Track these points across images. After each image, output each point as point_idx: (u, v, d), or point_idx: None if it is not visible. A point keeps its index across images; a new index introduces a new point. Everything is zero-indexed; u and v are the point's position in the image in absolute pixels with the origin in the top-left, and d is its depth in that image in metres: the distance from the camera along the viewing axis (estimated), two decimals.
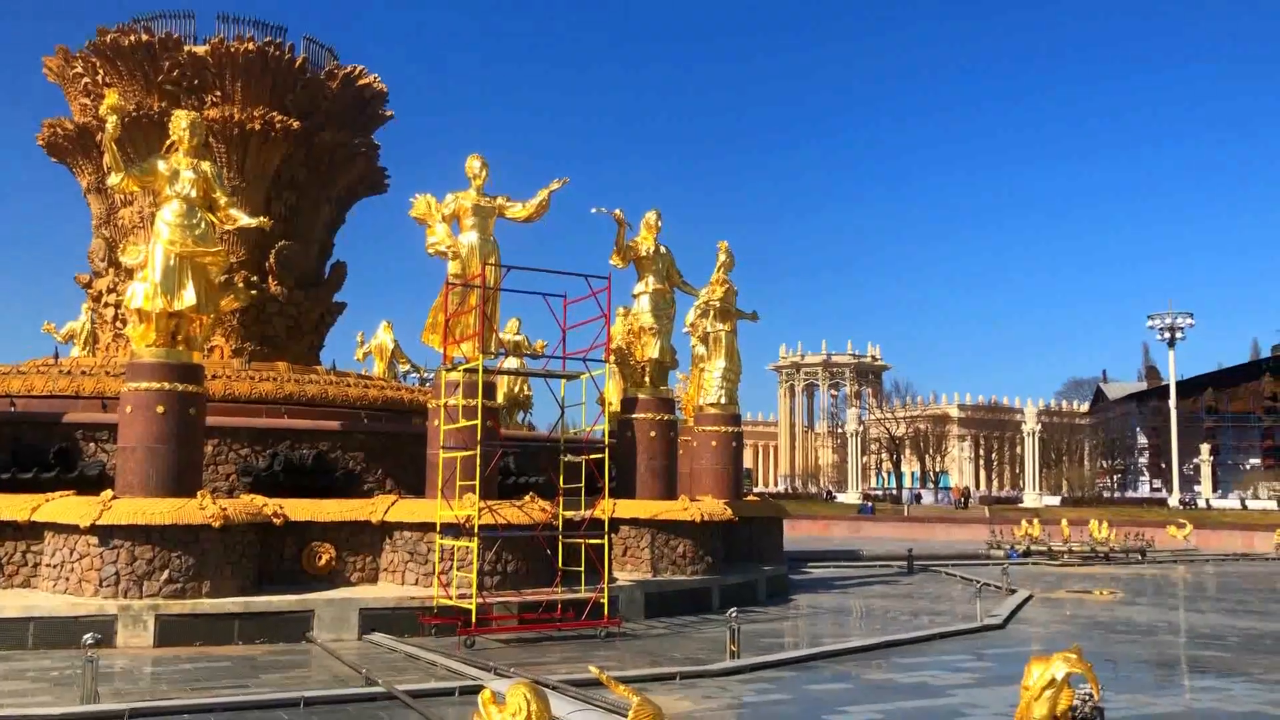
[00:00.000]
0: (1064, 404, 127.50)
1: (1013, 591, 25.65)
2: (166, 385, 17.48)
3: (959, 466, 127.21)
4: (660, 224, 24.38)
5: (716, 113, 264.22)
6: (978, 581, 28.96)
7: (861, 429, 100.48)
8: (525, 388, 36.74)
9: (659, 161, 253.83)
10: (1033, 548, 40.80)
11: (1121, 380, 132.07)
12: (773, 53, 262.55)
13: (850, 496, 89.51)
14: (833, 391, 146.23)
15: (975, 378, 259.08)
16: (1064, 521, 43.36)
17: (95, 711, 11.15)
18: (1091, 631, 19.81)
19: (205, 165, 18.81)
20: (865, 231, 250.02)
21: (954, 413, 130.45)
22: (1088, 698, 7.19)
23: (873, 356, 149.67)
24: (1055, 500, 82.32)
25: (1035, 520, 44.12)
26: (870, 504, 76.79)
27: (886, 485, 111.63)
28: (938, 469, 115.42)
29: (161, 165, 18.45)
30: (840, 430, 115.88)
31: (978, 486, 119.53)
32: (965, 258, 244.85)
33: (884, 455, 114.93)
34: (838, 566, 34.67)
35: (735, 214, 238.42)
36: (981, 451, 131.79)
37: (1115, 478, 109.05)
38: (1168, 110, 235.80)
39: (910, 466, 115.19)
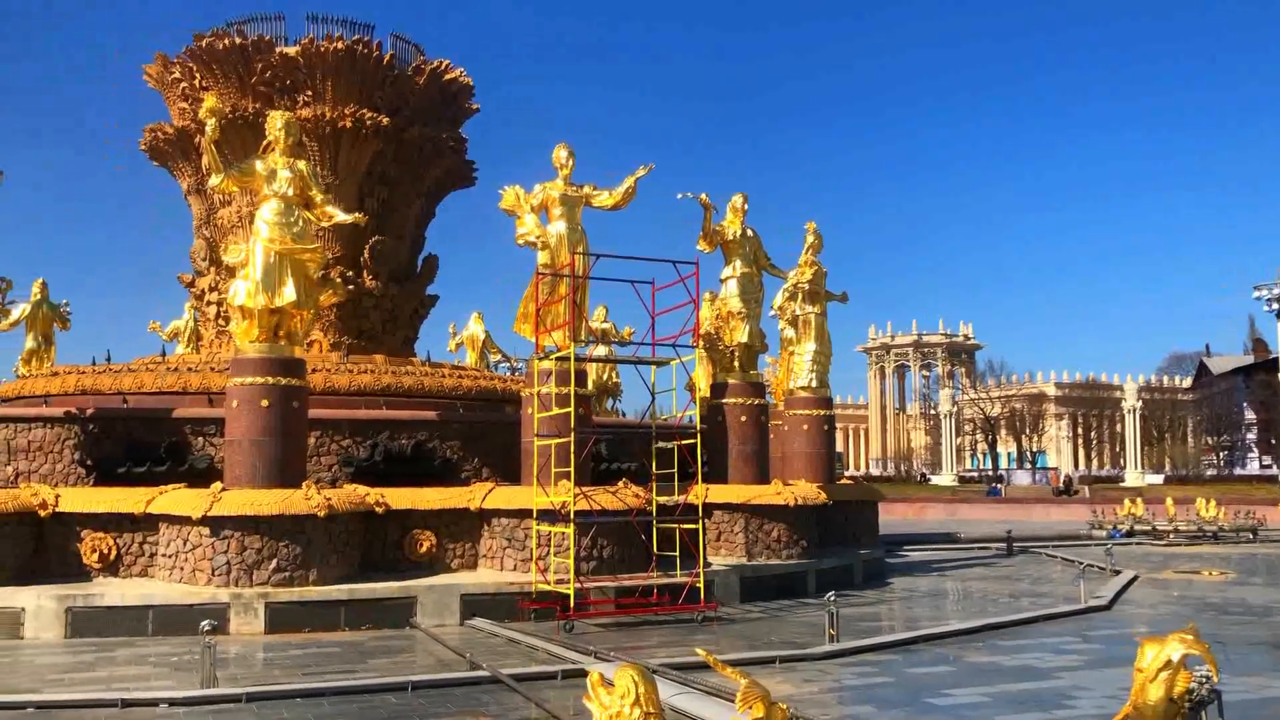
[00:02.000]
0: (1165, 379, 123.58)
1: (1117, 572, 25.06)
2: (270, 379, 18.00)
3: (1056, 446, 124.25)
4: (747, 207, 24.27)
5: (797, 86, 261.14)
6: (1080, 563, 28.38)
7: (955, 410, 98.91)
8: (614, 375, 36.92)
9: (743, 143, 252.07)
10: (1136, 527, 39.72)
11: (1226, 353, 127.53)
12: (855, 16, 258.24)
13: (945, 478, 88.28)
14: (924, 372, 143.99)
15: (1072, 354, 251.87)
16: (1169, 500, 42.05)
17: (215, 695, 11.59)
18: (1202, 613, 19.25)
19: (301, 164, 19.27)
20: (955, 206, 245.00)
21: (1050, 391, 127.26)
22: (1205, 679, 6.99)
23: (965, 335, 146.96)
24: (1158, 479, 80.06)
25: (1138, 499, 42.92)
26: (999, 486, 74.54)
27: (981, 466, 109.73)
28: (1034, 449, 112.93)
29: (259, 165, 18.95)
30: (933, 411, 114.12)
31: (1076, 466, 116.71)
32: (1060, 230, 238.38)
33: (978, 436, 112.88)
34: (934, 549, 34.24)
35: (821, 193, 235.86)
36: (1080, 430, 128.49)
37: (1221, 454, 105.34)
38: (1269, 75, 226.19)
39: (1006, 447, 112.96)
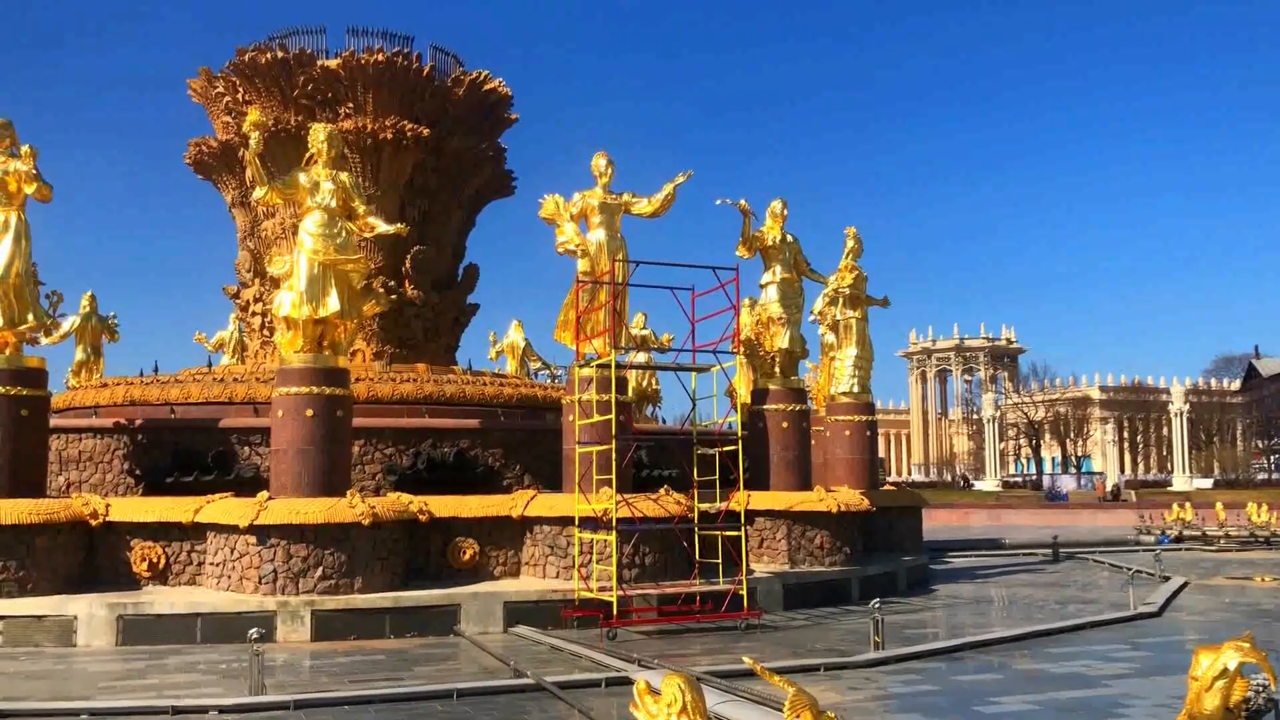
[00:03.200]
0: (1213, 382, 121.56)
1: (1166, 578, 24.67)
2: (314, 389, 18.18)
3: (1102, 450, 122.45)
4: (786, 213, 24.23)
5: (836, 91, 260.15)
6: (1128, 568, 27.97)
7: (998, 414, 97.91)
8: (653, 382, 36.94)
9: (781, 149, 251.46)
10: (1185, 532, 39.09)
11: (1276, 355, 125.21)
12: (893, 19, 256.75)
13: (988, 484, 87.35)
14: (966, 376, 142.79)
15: (1117, 357, 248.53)
16: (1218, 505, 41.36)
17: (263, 702, 11.71)
18: (1256, 620, 18.90)
19: (343, 176, 19.47)
20: (997, 209, 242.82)
21: (1095, 394, 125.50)
22: (1262, 688, 6.88)
23: (1008, 339, 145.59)
24: (1207, 483, 78.70)
25: (1186, 504, 42.27)
26: (1064, 491, 72.55)
27: (1026, 471, 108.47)
28: (1079, 453, 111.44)
29: (302, 178, 19.17)
30: (975, 416, 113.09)
31: (1122, 470, 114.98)
32: (1104, 231, 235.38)
33: (1022, 441, 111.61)
34: (979, 555, 33.90)
35: (860, 198, 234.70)
36: (1126, 434, 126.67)
37: (1272, 458, 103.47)
38: None
39: (1050, 452, 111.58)
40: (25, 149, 18.52)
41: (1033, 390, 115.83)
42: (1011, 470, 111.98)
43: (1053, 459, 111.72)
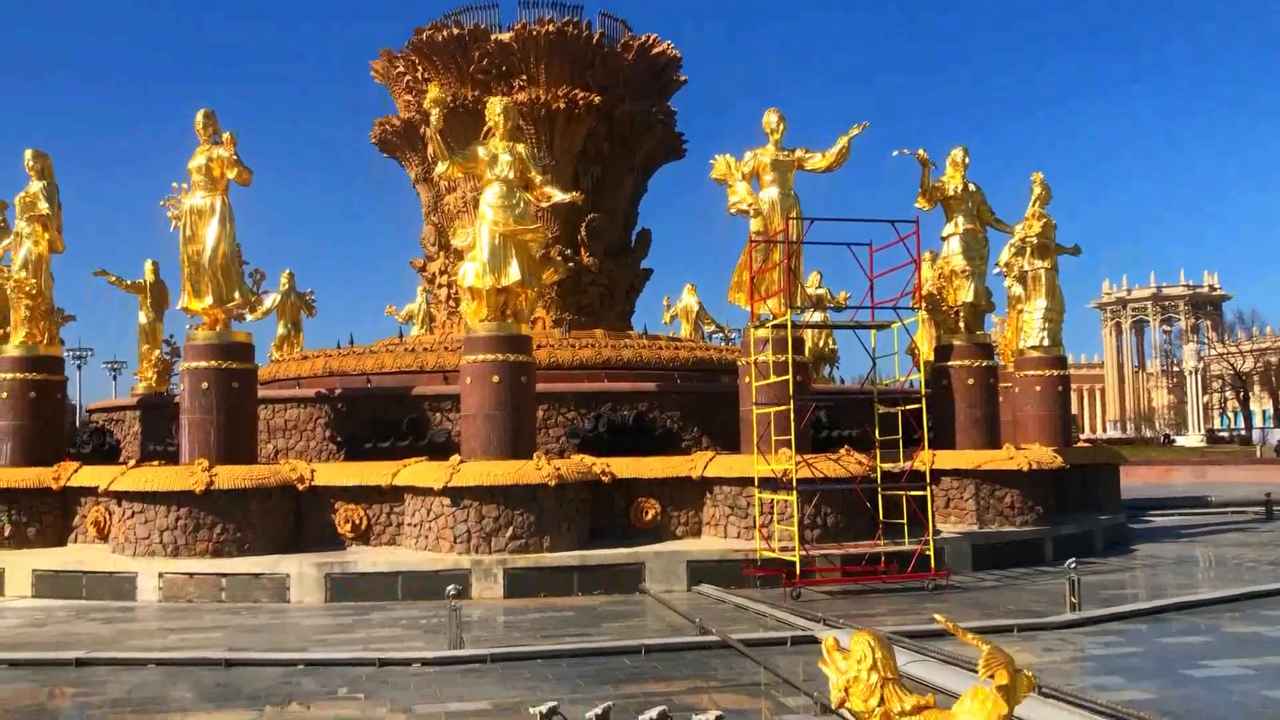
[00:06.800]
0: None
1: None
2: (499, 356, 18.75)
3: None
4: (967, 160, 23.33)
5: (1019, 25, 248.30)
6: None
7: (1201, 366, 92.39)
8: (830, 342, 36.36)
9: (959, 95, 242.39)
10: None
11: None
12: None
13: (1191, 439, 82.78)
14: (1165, 327, 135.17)
15: None
16: None
17: (462, 655, 12.24)
18: None
19: (520, 147, 19.87)
20: (1196, 145, 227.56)
21: None
22: None
23: (1210, 286, 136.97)
24: None
25: None
26: None
27: (1233, 425, 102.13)
28: None
29: (481, 151, 19.66)
30: (1175, 369, 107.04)
31: None
32: None
33: (1228, 393, 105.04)
34: (1182, 514, 32.12)
35: (1046, 140, 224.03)
36: None
37: None
38: None
39: (1260, 404, 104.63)
40: (226, 136, 19.67)
41: (1239, 340, 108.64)
42: (1217, 424, 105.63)
43: (1263, 412, 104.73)
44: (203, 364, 19.20)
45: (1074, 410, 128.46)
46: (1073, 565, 14.72)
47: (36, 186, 21.50)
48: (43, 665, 12.43)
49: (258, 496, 18.36)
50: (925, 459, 18.48)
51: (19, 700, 10.92)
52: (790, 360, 18.03)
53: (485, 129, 20.07)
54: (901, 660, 10.06)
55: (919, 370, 20.56)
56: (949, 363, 22.83)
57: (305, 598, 17.21)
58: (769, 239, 19.74)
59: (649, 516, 19.31)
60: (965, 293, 22.89)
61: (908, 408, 18.74)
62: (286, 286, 35.57)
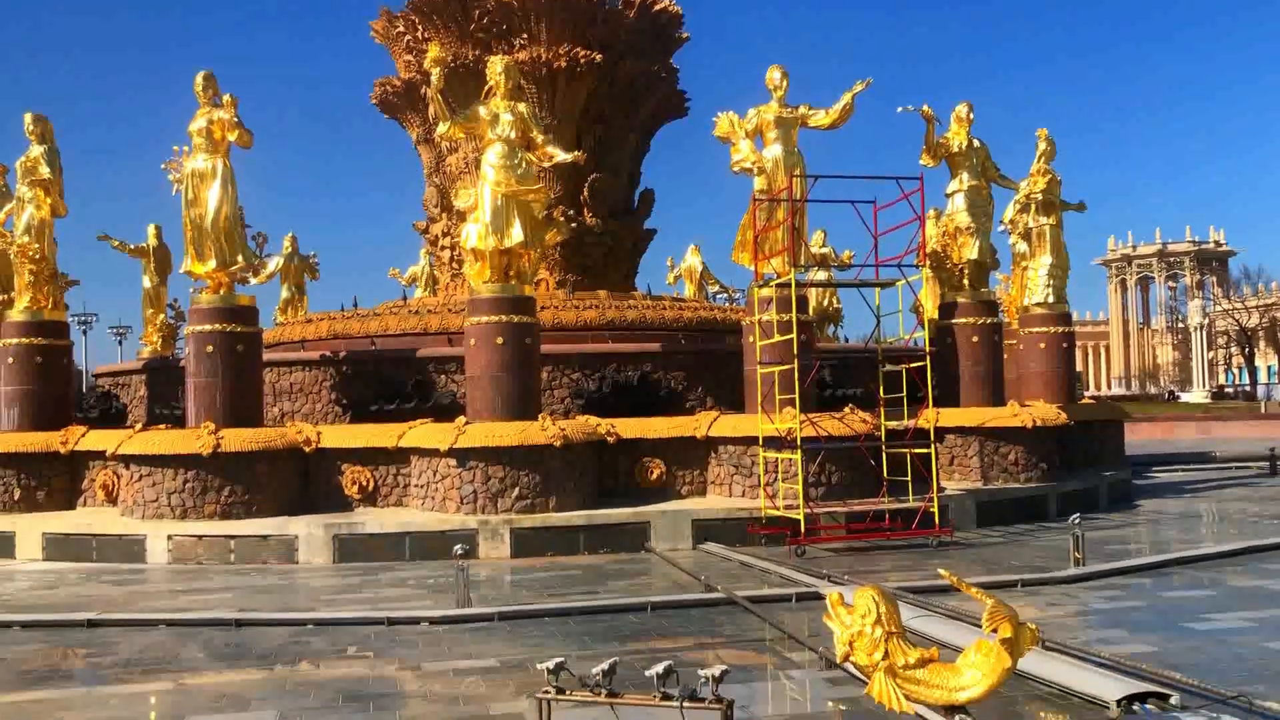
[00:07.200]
0: None
1: None
2: (504, 317, 18.75)
3: None
4: (972, 116, 23.16)
5: None
6: None
7: (1206, 322, 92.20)
8: (834, 300, 36.31)
9: (963, 51, 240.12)
10: None
11: None
12: None
13: (1195, 395, 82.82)
14: (1170, 283, 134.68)
15: None
16: None
17: (470, 614, 12.36)
18: None
19: (521, 107, 19.74)
20: (1200, 100, 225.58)
21: None
22: None
23: (1216, 241, 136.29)
24: None
25: None
26: None
27: (1238, 381, 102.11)
28: None
29: (482, 111, 19.54)
30: (1181, 325, 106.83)
31: None
32: None
33: (1233, 349, 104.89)
34: (1186, 470, 32.22)
35: (1051, 96, 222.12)
36: None
37: None
38: None
39: (1266, 360, 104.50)
40: (227, 98, 19.54)
41: (1245, 295, 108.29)
42: (1222, 381, 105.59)
43: (1269, 368, 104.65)
44: (207, 327, 19.21)
45: (1079, 367, 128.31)
46: (1076, 521, 14.78)
47: (37, 151, 21.43)
48: (55, 626, 12.57)
49: (265, 459, 18.43)
50: (930, 416, 18.50)
51: (33, 661, 11.05)
52: (794, 319, 18.02)
53: (486, 89, 19.93)
54: (906, 615, 10.14)
55: (923, 328, 20.55)
56: (953, 320, 22.81)
57: (314, 559, 17.33)
58: (773, 197, 19.65)
59: (654, 476, 19.39)
60: (970, 250, 22.83)
61: (912, 366, 18.76)
62: (290, 250, 35.52)
